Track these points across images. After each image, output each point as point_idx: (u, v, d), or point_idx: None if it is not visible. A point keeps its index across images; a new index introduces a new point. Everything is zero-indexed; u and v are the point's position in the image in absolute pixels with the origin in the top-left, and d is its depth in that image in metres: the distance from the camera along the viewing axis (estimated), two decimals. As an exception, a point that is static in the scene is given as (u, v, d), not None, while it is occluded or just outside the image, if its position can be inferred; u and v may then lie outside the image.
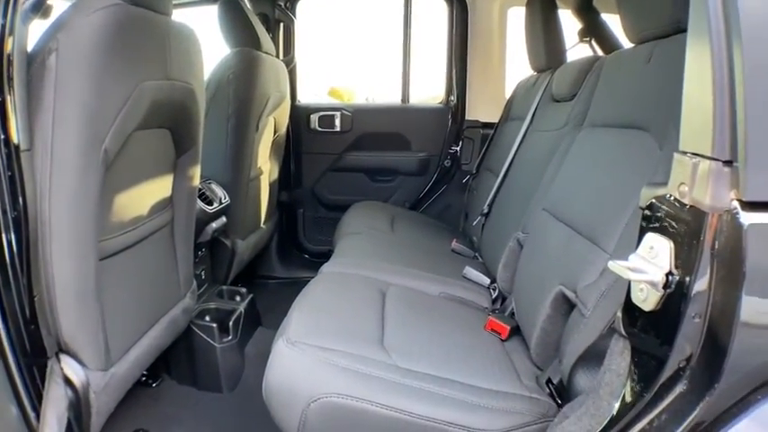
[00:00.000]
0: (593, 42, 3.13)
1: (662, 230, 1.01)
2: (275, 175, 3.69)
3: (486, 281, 2.47)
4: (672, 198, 1.00)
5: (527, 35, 3.07)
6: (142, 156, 1.89)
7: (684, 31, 1.05)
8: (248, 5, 3.54)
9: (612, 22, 3.07)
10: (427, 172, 4.06)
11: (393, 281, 2.23)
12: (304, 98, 4.12)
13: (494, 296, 2.37)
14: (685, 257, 0.96)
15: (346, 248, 2.69)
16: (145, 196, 1.97)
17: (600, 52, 3.07)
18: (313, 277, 2.21)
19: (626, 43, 1.99)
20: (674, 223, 0.98)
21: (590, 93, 2.17)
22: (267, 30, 3.60)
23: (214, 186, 2.79)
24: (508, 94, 3.64)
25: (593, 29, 3.14)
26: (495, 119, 3.67)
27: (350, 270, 2.31)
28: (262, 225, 3.48)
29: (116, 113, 1.58)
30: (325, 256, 2.71)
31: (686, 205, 0.96)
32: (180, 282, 2.28)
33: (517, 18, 3.55)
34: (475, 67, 3.96)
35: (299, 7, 3.93)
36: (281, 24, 3.86)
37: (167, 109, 1.91)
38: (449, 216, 3.96)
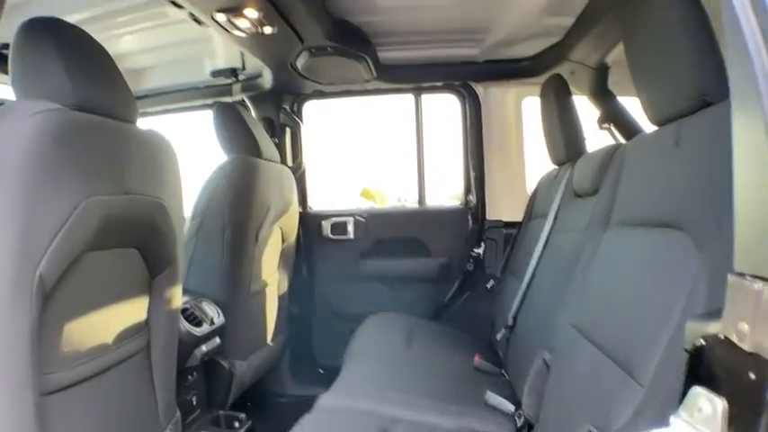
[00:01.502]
0: (613, 128, 2.94)
1: (713, 384, 0.71)
2: (285, 287, 3.46)
3: (511, 408, 2.16)
4: (727, 340, 0.70)
5: (544, 126, 2.89)
6: (102, 278, 1.66)
7: (711, 104, 0.78)
8: (251, 110, 3.48)
9: (630, 103, 2.91)
10: (449, 278, 3.77)
11: (400, 415, 1.97)
12: (317, 205, 3.96)
13: (519, 424, 2.06)
14: (745, 425, 0.67)
15: (351, 374, 2.45)
16: (109, 322, 1.73)
17: (621, 139, 2.88)
18: None
19: (647, 126, 1.73)
20: (729, 376, 0.69)
21: (613, 186, 1.89)
22: (272, 135, 3.49)
23: (205, 305, 2.56)
24: (530, 189, 3.45)
25: (612, 114, 2.96)
26: (518, 217, 3.43)
27: (349, 403, 2.05)
28: (269, 342, 3.22)
29: (53, 234, 1.36)
30: (342, 370, 2.45)
31: (747, 351, 0.66)
32: (159, 413, 2.01)
33: (533, 108, 3.37)
34: (493, 164, 3.73)
35: (306, 110, 3.82)
36: (288, 129, 3.73)
37: (129, 227, 1.70)
38: (474, 324, 3.61)
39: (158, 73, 3.42)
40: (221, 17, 2.28)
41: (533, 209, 3.16)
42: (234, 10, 2.24)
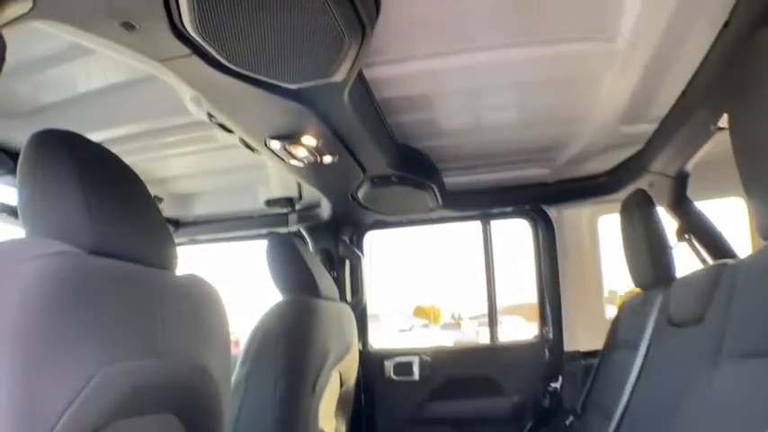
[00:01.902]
0: (694, 240, 2.70)
1: None
2: (342, 432, 3.16)
3: None
4: None
5: (626, 247, 2.65)
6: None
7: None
8: (308, 241, 3.33)
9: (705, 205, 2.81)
10: (524, 417, 3.47)
11: None
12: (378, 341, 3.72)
13: None
14: None
15: None
16: None
17: (703, 252, 2.67)
18: None
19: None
20: None
21: (723, 313, 1.62)
22: (331, 268, 3.32)
23: (255, 467, 2.26)
24: (608, 314, 3.30)
25: (692, 224, 2.75)
26: (596, 346, 3.14)
27: None
28: (324, 496, 2.88)
29: (60, 411, 1.07)
30: None
31: None
32: None
33: (610, 226, 3.27)
34: (568, 290, 3.47)
35: (368, 239, 3.64)
36: (347, 261, 3.54)
37: (163, 393, 1.42)
38: (552, 468, 3.32)
39: (208, 199, 3.33)
40: (275, 144, 2.11)
41: (617, 338, 2.88)
42: (289, 137, 2.07)
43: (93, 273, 1.19)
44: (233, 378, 2.29)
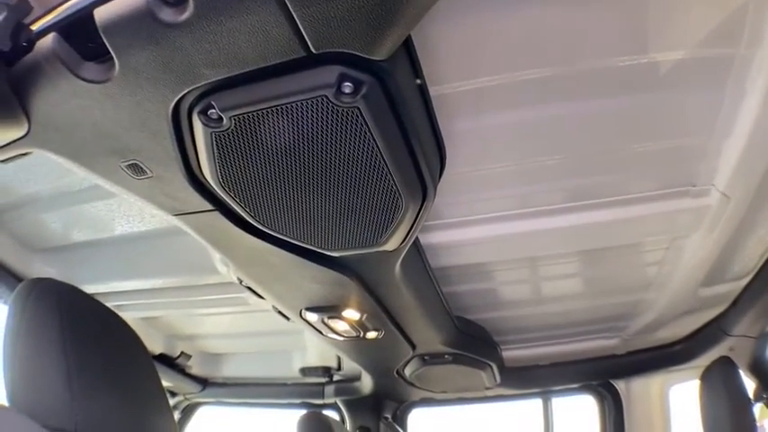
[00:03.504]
0: None
1: None
2: None
3: None
4: None
5: (706, 417, 2.48)
6: None
7: None
8: (345, 417, 3.06)
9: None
10: None
11: None
12: None
13: None
14: None
15: None
16: None
17: None
18: None
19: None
20: None
21: None
22: None
23: None
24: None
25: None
26: None
27: None
28: None
29: None
30: None
31: None
32: None
33: (681, 396, 3.04)
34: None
35: (412, 417, 3.29)
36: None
37: None
38: None
39: (240, 360, 3.15)
40: (312, 317, 1.84)
41: None
42: (329, 310, 1.80)
43: None
44: None
